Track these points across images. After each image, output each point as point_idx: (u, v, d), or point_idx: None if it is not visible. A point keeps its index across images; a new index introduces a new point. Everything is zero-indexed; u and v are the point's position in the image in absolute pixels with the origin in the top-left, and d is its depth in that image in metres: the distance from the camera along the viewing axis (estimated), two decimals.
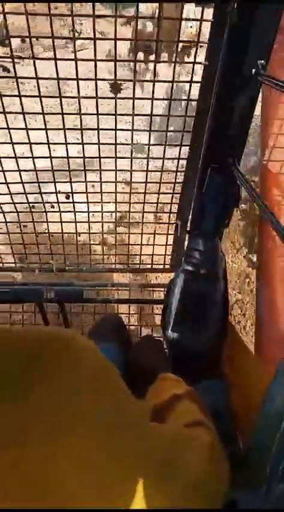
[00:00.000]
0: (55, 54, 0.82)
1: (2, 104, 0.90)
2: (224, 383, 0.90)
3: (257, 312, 1.05)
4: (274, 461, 0.44)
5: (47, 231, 1.23)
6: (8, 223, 1.22)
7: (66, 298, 1.31)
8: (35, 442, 0.31)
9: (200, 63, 0.76)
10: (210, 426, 0.55)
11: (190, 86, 0.82)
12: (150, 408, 0.58)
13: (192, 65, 0.82)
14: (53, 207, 1.24)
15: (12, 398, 0.32)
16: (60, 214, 1.18)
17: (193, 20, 0.79)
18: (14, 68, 0.86)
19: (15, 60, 0.86)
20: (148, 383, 0.71)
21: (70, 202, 1.15)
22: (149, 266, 1.36)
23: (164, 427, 0.52)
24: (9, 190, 1.08)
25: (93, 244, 1.38)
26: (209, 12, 0.76)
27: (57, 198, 1.13)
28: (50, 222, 1.20)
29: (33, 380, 0.34)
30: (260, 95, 0.78)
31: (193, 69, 0.80)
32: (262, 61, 0.70)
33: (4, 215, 1.18)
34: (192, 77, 0.81)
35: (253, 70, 0.70)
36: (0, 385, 0.33)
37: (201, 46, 0.79)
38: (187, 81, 0.82)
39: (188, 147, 0.96)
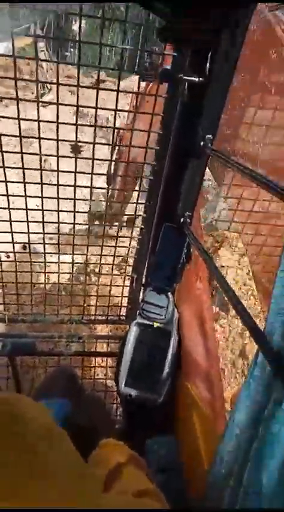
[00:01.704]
0: (19, 114, 0.87)
1: None
2: (174, 438, 0.89)
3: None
4: None
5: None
6: None
7: (17, 351, 1.26)
8: None
9: (153, 131, 0.83)
10: (157, 493, 0.54)
11: (146, 151, 0.89)
12: (102, 477, 0.56)
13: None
14: (8, 256, 1.23)
15: None
16: (15, 264, 1.17)
17: (149, 97, 0.87)
18: None
19: None
20: (89, 443, 0.68)
21: (26, 253, 1.15)
22: (104, 318, 1.36)
23: (115, 497, 0.51)
24: None
25: (49, 294, 1.36)
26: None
27: (14, 248, 1.13)
28: (4, 271, 1.18)
29: None
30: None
31: (148, 136, 0.87)
32: (210, 136, 0.77)
33: None
34: (147, 144, 0.88)
35: (202, 143, 0.77)
36: None
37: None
38: (143, 147, 0.89)
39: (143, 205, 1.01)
